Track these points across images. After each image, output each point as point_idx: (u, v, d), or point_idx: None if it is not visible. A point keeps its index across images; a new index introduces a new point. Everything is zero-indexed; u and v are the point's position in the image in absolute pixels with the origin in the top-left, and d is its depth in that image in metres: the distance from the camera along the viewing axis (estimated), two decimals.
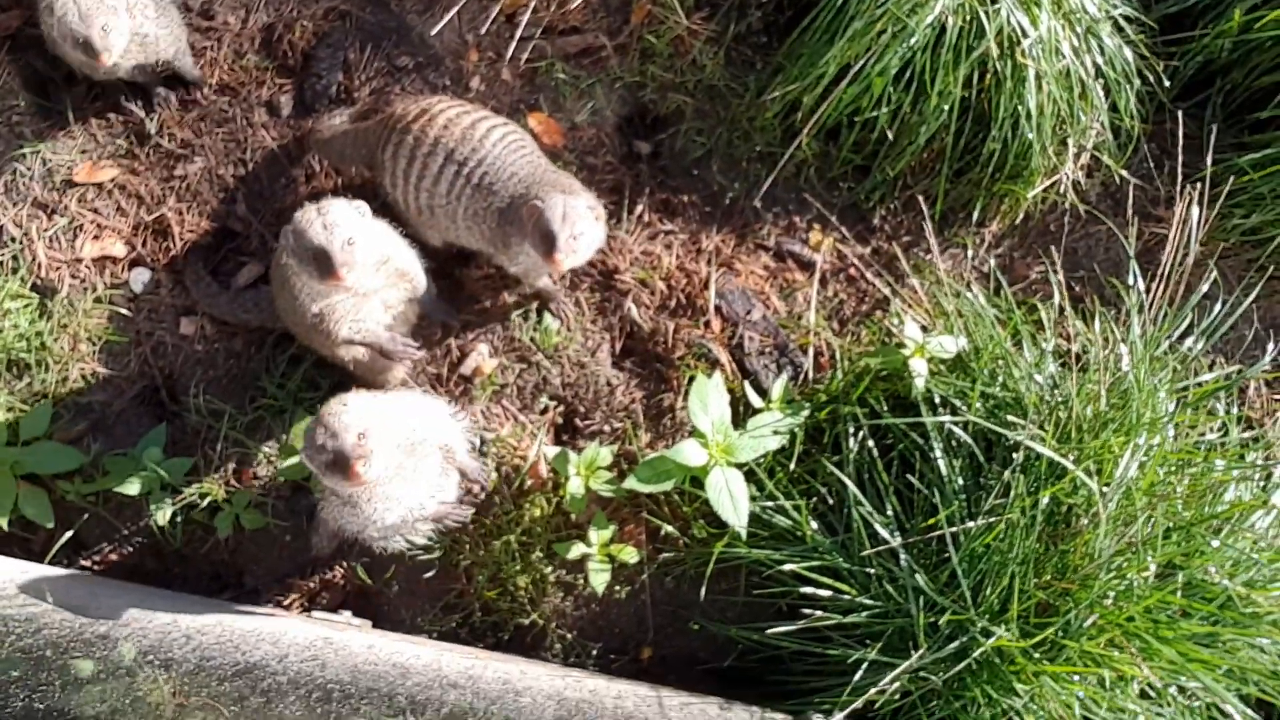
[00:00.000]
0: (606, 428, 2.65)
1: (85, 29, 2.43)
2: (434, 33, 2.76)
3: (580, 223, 2.27)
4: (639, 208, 2.76)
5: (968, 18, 2.46)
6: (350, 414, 1.97)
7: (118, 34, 2.47)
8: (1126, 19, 2.61)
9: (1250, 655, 2.26)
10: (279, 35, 2.81)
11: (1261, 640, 2.24)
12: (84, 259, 2.71)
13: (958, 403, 2.37)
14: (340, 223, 2.14)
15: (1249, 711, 2.30)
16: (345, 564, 2.60)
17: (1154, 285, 2.39)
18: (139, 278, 2.70)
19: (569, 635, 2.62)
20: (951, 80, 2.50)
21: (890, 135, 2.64)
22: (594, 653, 2.63)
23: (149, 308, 2.68)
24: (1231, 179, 2.59)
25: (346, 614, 2.51)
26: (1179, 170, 2.50)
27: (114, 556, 2.63)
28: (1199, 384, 2.45)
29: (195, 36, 2.81)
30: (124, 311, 2.67)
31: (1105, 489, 2.17)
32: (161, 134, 2.77)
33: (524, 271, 2.53)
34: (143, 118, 2.78)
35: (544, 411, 2.67)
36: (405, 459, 2.12)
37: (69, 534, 2.56)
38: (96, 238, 2.73)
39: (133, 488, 2.52)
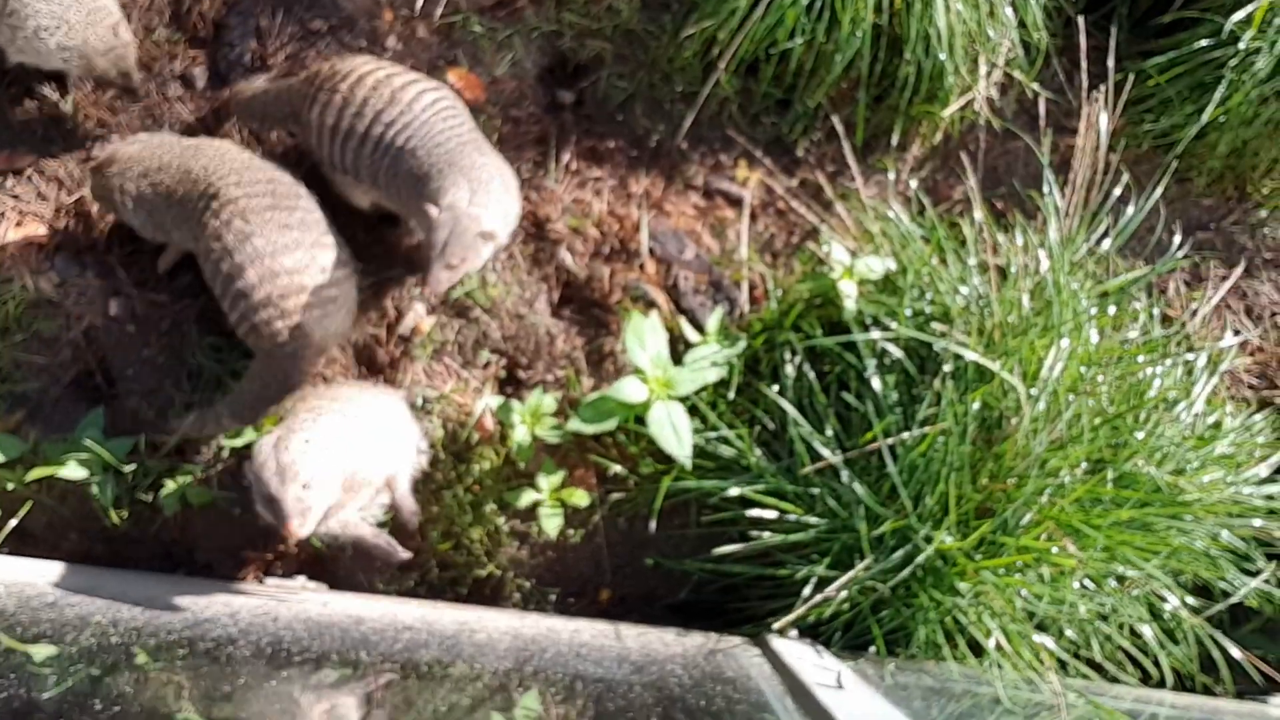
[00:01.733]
0: (549, 377, 2.67)
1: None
2: None
3: (465, 251, 2.21)
4: (566, 156, 2.77)
5: None
6: (297, 456, 1.89)
7: None
8: None
9: (1184, 541, 2.34)
10: (188, 7, 2.77)
11: (1192, 526, 2.32)
12: (8, 247, 2.66)
13: (888, 321, 2.42)
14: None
15: (1187, 598, 2.39)
16: None
17: (1070, 194, 2.45)
18: (64, 261, 2.66)
19: (527, 584, 2.64)
20: (862, 6, 2.54)
21: (807, 66, 2.66)
22: (552, 598, 2.65)
23: (77, 291, 2.64)
24: (1136, 83, 2.65)
25: (302, 579, 2.51)
26: (1084, 80, 2.56)
27: (62, 544, 2.60)
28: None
29: None
30: (52, 297, 2.63)
31: (1033, 391, 2.23)
32: (77, 115, 2.73)
33: None
34: (57, 101, 2.73)
35: (486, 366, 2.68)
36: (342, 494, 2.05)
37: (14, 523, 2.53)
38: (19, 224, 2.69)
39: (74, 472, 2.49)
